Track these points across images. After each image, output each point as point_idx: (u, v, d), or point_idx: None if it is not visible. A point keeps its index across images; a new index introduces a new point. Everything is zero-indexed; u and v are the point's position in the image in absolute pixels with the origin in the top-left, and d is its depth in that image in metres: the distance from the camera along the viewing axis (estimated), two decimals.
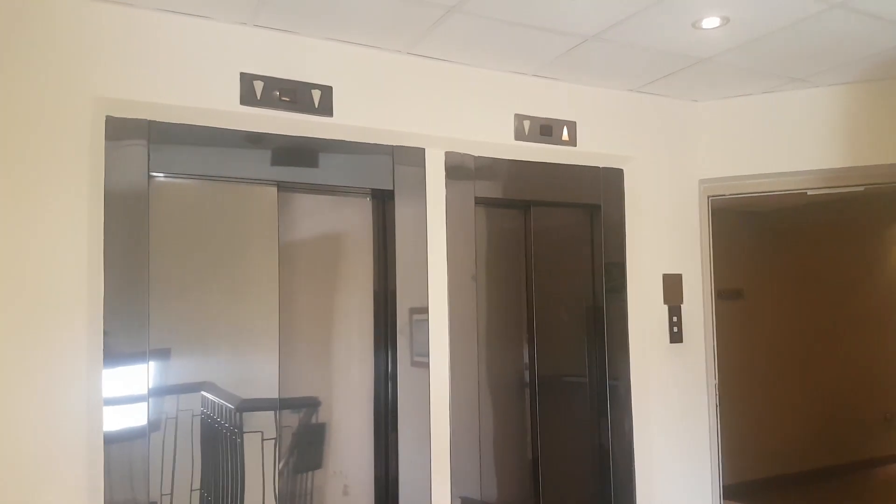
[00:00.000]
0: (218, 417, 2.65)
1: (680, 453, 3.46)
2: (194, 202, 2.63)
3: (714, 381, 3.62)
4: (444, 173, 3.01)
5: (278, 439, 2.72)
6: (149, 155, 2.45)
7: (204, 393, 2.61)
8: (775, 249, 6.00)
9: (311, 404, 2.87)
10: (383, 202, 2.98)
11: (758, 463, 5.68)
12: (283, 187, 2.76)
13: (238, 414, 2.65)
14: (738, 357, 5.61)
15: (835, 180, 3.53)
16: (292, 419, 2.82)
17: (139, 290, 2.41)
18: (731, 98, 3.53)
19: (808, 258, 6.20)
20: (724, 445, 3.70)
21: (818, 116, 3.40)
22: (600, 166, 3.43)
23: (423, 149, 2.97)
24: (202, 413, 2.61)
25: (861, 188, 3.55)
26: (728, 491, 3.94)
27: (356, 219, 2.98)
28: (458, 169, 3.05)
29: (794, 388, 6.00)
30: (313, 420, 2.88)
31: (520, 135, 3.10)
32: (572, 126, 3.24)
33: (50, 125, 2.23)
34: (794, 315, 6.06)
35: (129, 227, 2.40)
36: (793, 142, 3.44)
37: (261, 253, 2.71)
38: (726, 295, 5.67)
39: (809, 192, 3.68)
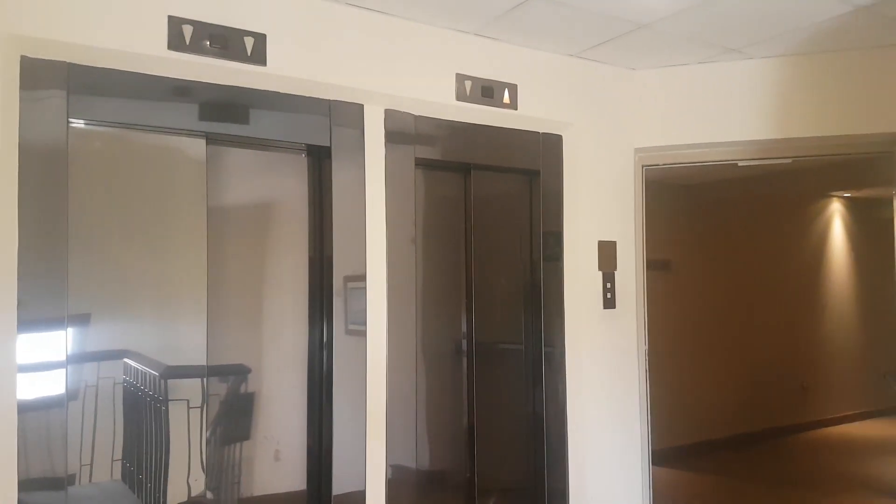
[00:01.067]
0: (142, 385, 2.54)
1: (611, 419, 3.56)
2: (117, 154, 2.48)
3: (644, 348, 3.73)
4: (383, 132, 2.95)
5: (205, 407, 2.63)
6: (68, 100, 2.27)
7: (127, 360, 2.49)
8: (704, 222, 6.25)
9: (241, 372, 2.78)
10: (319, 160, 2.90)
11: (684, 429, 5.96)
12: (213, 140, 2.62)
13: (163, 381, 2.54)
14: (666, 325, 5.82)
15: (764, 152, 3.67)
16: (220, 387, 2.73)
17: (57, 249, 2.26)
18: (667, 67, 3.60)
19: (736, 231, 6.49)
20: (652, 412, 3.83)
21: (750, 88, 3.51)
22: (540, 132, 3.44)
23: (362, 105, 2.90)
24: (125, 381, 2.48)
25: (788, 160, 3.71)
26: (657, 456, 4.09)
27: (291, 177, 2.89)
28: (398, 128, 3.00)
29: (719, 357, 6.31)
30: (243, 388, 2.80)
31: (461, 95, 3.07)
32: (514, 89, 3.23)
33: None
34: (720, 286, 6.34)
35: (45, 179, 2.24)
36: (725, 113, 3.54)
37: (188, 211, 2.58)
38: (656, 265, 5.87)
39: (740, 164, 3.82)
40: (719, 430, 6.23)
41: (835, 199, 7.31)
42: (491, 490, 3.35)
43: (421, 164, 3.11)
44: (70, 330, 2.32)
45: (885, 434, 6.65)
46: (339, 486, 2.81)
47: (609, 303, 3.52)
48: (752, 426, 6.47)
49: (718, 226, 6.36)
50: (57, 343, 2.26)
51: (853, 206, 7.45)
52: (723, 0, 2.80)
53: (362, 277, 2.88)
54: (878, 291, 7.29)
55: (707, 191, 6.20)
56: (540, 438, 3.44)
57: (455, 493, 3.30)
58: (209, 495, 2.66)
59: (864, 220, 7.47)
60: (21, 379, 2.18)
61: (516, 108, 3.24)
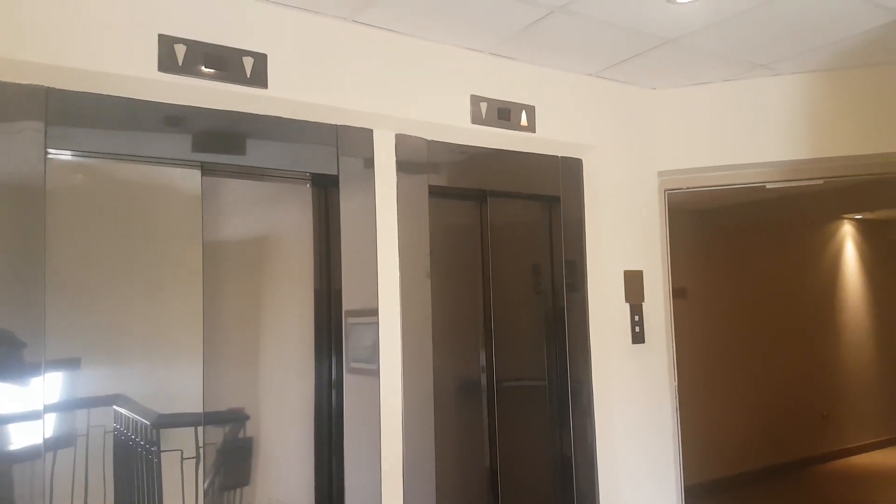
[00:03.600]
0: (133, 434, 2.26)
1: (643, 459, 3.26)
2: (102, 187, 2.22)
3: (675, 383, 3.44)
4: (394, 159, 2.70)
5: (201, 457, 2.35)
6: (46, 129, 2.03)
7: (116, 407, 2.22)
8: (725, 247, 5.97)
9: (239, 418, 2.50)
10: (326, 190, 2.64)
11: (712, 464, 5.61)
12: (209, 170, 2.37)
13: (154, 430, 2.26)
14: (692, 357, 5.53)
15: (794, 173, 3.41)
16: (218, 435, 2.45)
17: (32, 291, 2.00)
18: (690, 86, 3.36)
19: (758, 256, 6.20)
20: (683, 449, 3.53)
21: (779, 106, 3.26)
22: (559, 155, 3.19)
23: (371, 130, 2.65)
24: (114, 429, 2.22)
25: (820, 181, 3.44)
26: (689, 492, 3.78)
27: (295, 208, 2.63)
28: (410, 154, 2.74)
29: (744, 388, 5.98)
30: (242, 435, 2.51)
31: (476, 118, 2.82)
32: (531, 111, 2.98)
33: None
34: (742, 313, 6.03)
35: (19, 216, 1.99)
36: (753, 132, 3.29)
37: (182, 247, 2.32)
38: (676, 293, 5.58)
39: (769, 186, 3.55)
40: (747, 463, 5.90)
41: (840, 220, 7.02)
42: None
43: (435, 191, 2.85)
44: (48, 376, 2.06)
45: None
46: None
47: (638, 337, 3.23)
48: (777, 458, 6.13)
49: (740, 251, 6.09)
50: (33, 391, 2.00)
51: (862, 228, 7.15)
52: (755, 13, 2.57)
53: (374, 312, 2.61)
54: (888, 313, 6.99)
55: (729, 214, 5.93)
56: (569, 481, 3.14)
57: None
58: None
59: (874, 242, 7.18)
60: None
61: (534, 131, 2.98)
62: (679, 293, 5.57)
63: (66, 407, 2.13)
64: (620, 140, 3.29)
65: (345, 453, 2.53)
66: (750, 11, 2.55)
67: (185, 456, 2.33)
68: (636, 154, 3.34)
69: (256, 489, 2.51)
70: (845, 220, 7.02)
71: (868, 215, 6.85)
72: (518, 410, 3.12)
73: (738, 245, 6.11)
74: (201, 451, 2.35)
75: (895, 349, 6.88)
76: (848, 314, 6.95)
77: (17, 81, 1.99)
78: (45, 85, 2.04)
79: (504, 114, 2.91)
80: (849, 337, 6.94)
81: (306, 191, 2.64)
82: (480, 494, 3.02)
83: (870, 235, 7.19)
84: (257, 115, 2.42)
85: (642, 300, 3.26)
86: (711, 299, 5.88)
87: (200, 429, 2.34)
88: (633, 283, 3.25)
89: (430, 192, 2.81)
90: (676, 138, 3.39)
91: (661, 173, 3.42)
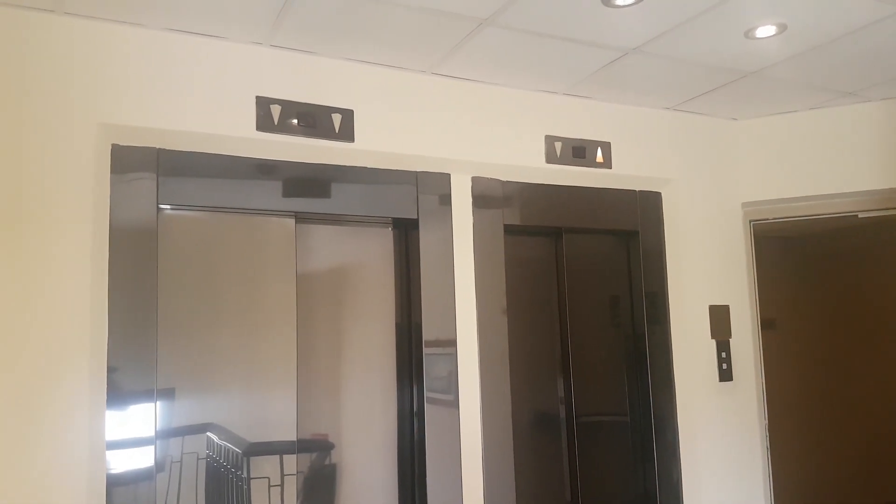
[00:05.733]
0: (224, 462, 2.46)
1: (731, 500, 3.19)
2: (206, 235, 2.47)
3: (765, 423, 3.36)
4: (470, 200, 2.83)
5: (292, 484, 2.52)
6: (158, 186, 2.30)
7: (210, 434, 2.43)
8: (814, 274, 5.73)
9: (328, 446, 2.67)
10: (406, 231, 2.81)
11: (806, 502, 5.36)
12: (302, 218, 2.59)
13: (245, 458, 2.46)
14: (781, 394, 5.33)
15: (888, 202, 3.30)
16: (309, 463, 2.62)
17: (146, 328, 2.25)
18: (773, 115, 3.33)
19: (852, 285, 5.91)
20: (774, 488, 3.42)
21: (869, 133, 3.18)
22: (637, 190, 3.23)
23: (449, 174, 2.80)
24: (208, 456, 2.43)
25: None
26: None
27: (378, 249, 2.81)
28: (485, 195, 2.87)
29: (841, 425, 5.68)
30: (330, 463, 2.67)
31: (551, 157, 2.92)
32: (606, 147, 3.05)
33: (52, 155, 2.10)
34: (837, 345, 5.76)
35: (135, 262, 2.25)
36: (841, 161, 3.22)
37: (277, 287, 2.54)
38: (765, 324, 5.41)
39: (861, 216, 3.45)
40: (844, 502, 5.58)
41: None
42: None
43: (510, 229, 2.96)
44: (159, 404, 2.30)
45: None
46: None
47: (725, 374, 3.19)
48: (880, 498, 5.76)
49: (833, 279, 5.81)
50: (146, 418, 2.24)
51: None
52: (840, 43, 2.53)
53: (452, 344, 2.73)
54: None
55: (821, 241, 5.69)
56: None
57: None
58: None
59: None
60: (111, 454, 2.17)
61: (610, 167, 3.05)
62: (768, 324, 5.42)
63: (172, 434, 2.36)
64: (701, 172, 3.29)
65: (427, 483, 2.64)
66: (835, 42, 2.52)
67: (274, 483, 2.50)
68: (718, 186, 3.33)
69: None
70: None
71: None
72: (599, 445, 3.14)
73: (831, 273, 5.83)
74: (294, 477, 2.53)
75: None
76: None
77: (134, 144, 2.27)
78: (157, 147, 2.31)
79: (579, 152, 2.99)
80: None
81: (388, 234, 2.82)
82: None
83: None
84: (345, 166, 2.62)
85: (729, 336, 3.23)
86: (803, 330, 5.63)
87: (291, 456, 2.51)
88: (720, 319, 3.22)
89: (505, 230, 2.92)
90: (760, 169, 3.35)
91: (745, 204, 3.39)
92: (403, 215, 2.72)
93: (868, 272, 5.95)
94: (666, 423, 3.15)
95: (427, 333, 2.71)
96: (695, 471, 3.14)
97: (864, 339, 5.94)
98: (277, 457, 2.51)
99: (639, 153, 3.15)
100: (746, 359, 3.27)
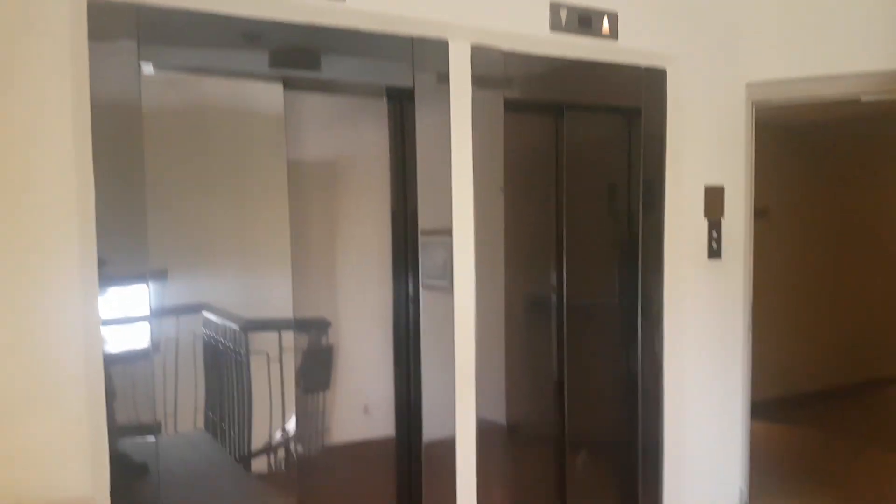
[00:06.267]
0: (223, 339, 2.48)
1: (710, 374, 3.34)
2: (192, 103, 2.33)
3: (749, 300, 3.46)
4: (470, 71, 2.70)
5: (290, 359, 2.56)
6: (139, 46, 2.13)
7: (206, 313, 2.42)
8: (808, 165, 5.75)
9: (325, 325, 2.69)
10: (401, 103, 2.69)
11: (782, 381, 5.65)
12: (290, 84, 2.45)
13: (243, 334, 2.47)
14: (769, 276, 5.45)
15: (891, 83, 3.23)
16: (305, 340, 2.65)
17: (135, 204, 2.16)
18: None
19: (848, 178, 5.95)
20: (752, 365, 3.58)
21: (880, 9, 3.05)
22: (642, 66, 3.11)
23: (447, 41, 2.64)
24: (205, 334, 2.42)
25: None
26: (754, 409, 3.84)
27: (372, 122, 2.69)
28: (485, 66, 2.74)
29: (823, 310, 5.90)
30: (327, 341, 2.71)
31: (556, 25, 2.77)
32: (614, 17, 2.90)
33: (24, 21, 1.91)
34: (822, 232, 5.88)
35: (120, 132, 2.12)
36: (850, 39, 3.11)
37: (267, 160, 2.44)
38: (759, 212, 5.46)
39: (864, 99, 3.38)
40: (819, 382, 5.90)
41: None
42: (582, 444, 3.21)
43: (510, 105, 2.86)
44: (151, 284, 2.25)
45: None
46: (430, 433, 2.73)
47: (714, 252, 3.24)
48: (853, 378, 6.10)
49: (822, 168, 5.86)
50: (139, 297, 2.20)
51: None
52: None
53: (448, 230, 2.71)
54: None
55: (821, 132, 5.67)
56: (634, 393, 3.26)
57: (545, 445, 3.18)
58: (292, 445, 2.63)
59: None
60: (106, 332, 2.14)
61: (616, 39, 2.92)
62: (761, 212, 5.47)
63: (167, 312, 2.33)
64: (707, 49, 3.17)
65: (422, 362, 2.70)
66: None
67: (273, 358, 2.53)
68: (723, 64, 3.23)
69: (344, 388, 2.73)
70: None
71: None
72: (588, 326, 3.21)
73: (829, 164, 5.87)
74: (292, 352, 2.56)
75: None
76: None
77: (111, 0, 2.08)
78: (136, 1, 2.11)
79: (585, 20, 2.84)
80: None
81: (383, 105, 2.69)
82: (549, 400, 3.18)
83: None
84: (336, 28, 2.44)
85: (722, 216, 3.25)
86: (796, 219, 5.74)
87: (288, 333, 2.53)
88: (714, 199, 3.22)
89: (505, 106, 2.82)
90: (767, 46, 3.24)
91: (749, 85, 3.30)
92: (398, 84, 2.60)
93: (868, 163, 5.98)
94: (652, 299, 3.22)
95: (423, 218, 2.67)
96: (677, 344, 3.25)
97: (858, 228, 6.07)
98: (275, 333, 2.52)
99: (646, 25, 3.00)
100: (737, 239, 3.32)
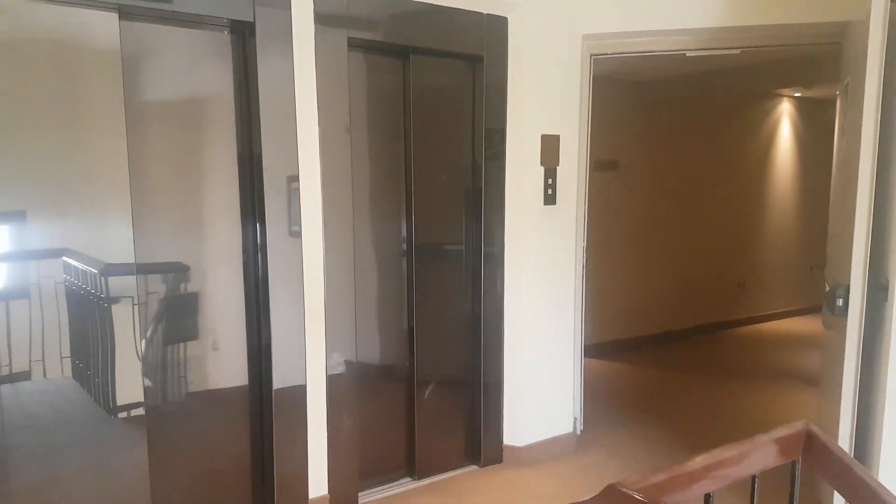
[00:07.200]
0: (83, 284, 2.50)
1: (547, 313, 3.72)
2: (20, 31, 2.28)
3: (583, 245, 3.82)
4: (312, 5, 2.82)
5: (143, 304, 2.64)
6: None
7: (66, 259, 2.44)
8: (652, 120, 6.29)
9: (175, 269, 2.76)
10: (244, 39, 2.76)
11: (620, 325, 6.24)
12: (126, 13, 2.46)
13: (103, 279, 2.51)
14: (611, 224, 5.99)
15: (712, 41, 3.67)
16: (157, 284, 2.71)
17: None
18: None
19: (683, 130, 6.57)
20: (588, 308, 3.94)
21: None
22: (484, 12, 3.35)
23: None
24: (66, 280, 2.44)
25: (737, 51, 3.71)
26: (592, 350, 4.24)
27: (215, 59, 2.75)
28: (328, 6, 2.86)
29: (659, 256, 6.53)
30: (180, 286, 2.77)
31: None
32: None
33: None
34: (666, 185, 6.49)
35: None
36: None
37: (104, 99, 2.44)
38: (605, 165, 5.95)
39: (689, 54, 3.81)
40: (656, 326, 6.56)
41: (783, 98, 7.42)
42: (429, 382, 3.47)
43: (355, 45, 3.00)
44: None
45: (811, 329, 7.11)
46: (280, 380, 2.89)
47: (549, 199, 3.57)
48: (689, 322, 6.83)
49: (665, 124, 6.43)
50: None
51: (800, 106, 7.59)
52: None
53: (294, 173, 2.83)
54: (818, 191, 7.59)
55: (657, 88, 6.21)
56: (477, 333, 3.56)
57: (395, 384, 3.44)
58: (154, 391, 2.69)
59: (810, 120, 7.64)
60: None
61: None
62: (611, 165, 5.97)
63: (18, 257, 2.34)
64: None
65: (271, 313, 2.84)
66: None
67: (131, 302, 2.58)
68: (562, 15, 3.53)
69: (198, 333, 2.81)
70: (783, 98, 7.41)
71: (805, 93, 7.23)
72: (436, 271, 3.49)
73: (670, 119, 6.46)
74: (144, 298, 2.63)
75: (814, 226, 7.50)
76: (773, 187, 7.51)
77: None
78: None
79: None
80: (772, 213, 7.55)
81: (225, 39, 2.75)
82: (398, 342, 3.43)
83: (805, 113, 7.62)
84: None
85: (557, 164, 3.57)
86: (642, 171, 6.28)
87: (140, 277, 2.60)
88: (549, 147, 3.54)
89: (351, 46, 2.96)
90: (602, 1, 3.56)
91: (586, 37, 3.63)
92: (239, 17, 2.66)
93: (692, 115, 6.62)
94: (493, 247, 3.56)
95: (268, 162, 2.77)
96: (516, 285, 3.61)
97: (699, 181, 6.73)
98: (131, 277, 2.56)
99: None
100: (570, 186, 3.68)
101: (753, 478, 1.42)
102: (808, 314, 7.76)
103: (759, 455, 1.36)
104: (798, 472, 1.49)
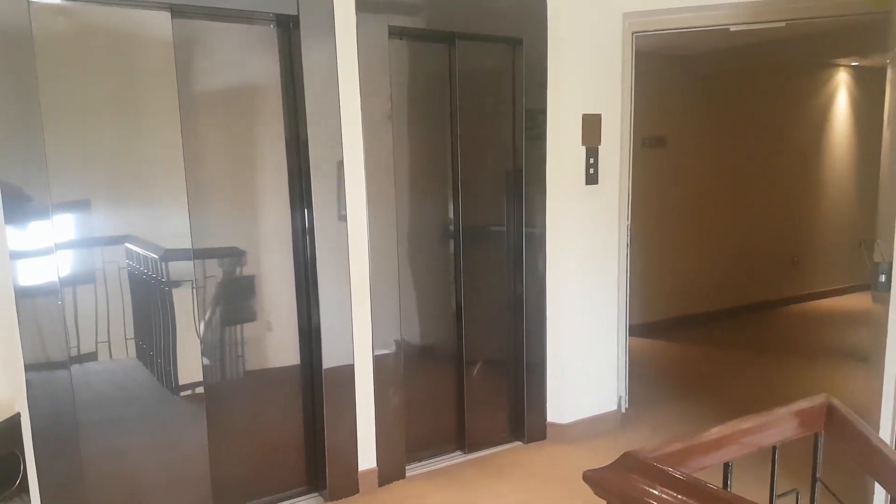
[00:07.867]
0: (144, 269, 2.72)
1: (590, 292, 3.82)
2: (82, 31, 2.48)
3: (627, 223, 3.89)
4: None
5: (201, 287, 2.85)
6: None
7: (128, 245, 2.65)
8: (698, 96, 6.27)
9: (230, 254, 2.95)
10: (289, 31, 2.92)
11: (670, 303, 6.28)
12: (178, 12, 2.65)
13: (163, 264, 2.73)
14: (658, 202, 6.01)
15: (756, 15, 3.67)
16: (214, 268, 2.91)
17: (31, 136, 2.33)
18: None
19: (731, 105, 6.52)
20: (637, 287, 4.00)
21: None
22: None
23: None
24: (128, 265, 2.66)
25: (782, 24, 3.70)
26: (635, 330, 4.30)
27: (263, 51, 2.92)
28: None
29: (710, 233, 6.53)
30: (235, 269, 2.98)
31: None
32: None
33: None
34: (715, 162, 6.46)
35: (13, 62, 2.28)
36: None
37: (159, 92, 2.63)
38: (651, 142, 5.96)
39: (732, 29, 3.81)
40: (706, 304, 6.58)
41: (839, 67, 7.25)
42: (476, 361, 3.62)
43: (398, 32, 3.13)
44: (55, 217, 2.45)
45: (865, 306, 7.03)
46: (329, 360, 3.08)
47: (591, 178, 3.65)
48: (740, 300, 6.82)
49: (714, 99, 6.38)
50: (44, 231, 2.40)
51: (858, 76, 7.41)
52: None
53: (339, 158, 2.99)
54: (877, 164, 7.43)
55: (704, 62, 6.16)
56: (520, 312, 3.68)
57: (443, 363, 3.60)
58: (213, 370, 2.91)
59: (868, 90, 7.46)
60: (17, 266, 2.35)
61: None
62: (659, 142, 5.98)
63: (79, 244, 2.55)
64: None
65: (320, 296, 3.02)
66: None
67: (187, 287, 2.78)
68: None
69: (253, 316, 3.01)
70: (840, 67, 7.25)
71: (862, 62, 7.06)
72: (480, 252, 3.62)
73: (719, 93, 6.41)
74: (202, 282, 2.84)
75: (872, 200, 7.38)
76: (830, 164, 7.39)
77: None
78: None
79: None
80: (827, 187, 7.43)
81: (271, 32, 2.91)
82: (445, 322, 3.59)
83: (864, 83, 7.45)
84: None
85: (598, 143, 3.65)
86: (691, 148, 6.27)
87: (197, 262, 2.80)
88: (591, 126, 3.62)
89: (393, 34, 3.10)
90: None
91: (626, 15, 3.67)
92: (284, 11, 2.82)
93: (740, 90, 6.55)
94: (535, 227, 3.67)
95: (314, 149, 2.92)
96: (558, 265, 3.71)
97: (750, 156, 6.68)
98: (188, 262, 2.76)
99: None
100: (613, 165, 3.76)
101: (774, 448, 1.53)
102: (864, 291, 7.66)
103: (778, 427, 1.47)
104: (821, 444, 1.60)
